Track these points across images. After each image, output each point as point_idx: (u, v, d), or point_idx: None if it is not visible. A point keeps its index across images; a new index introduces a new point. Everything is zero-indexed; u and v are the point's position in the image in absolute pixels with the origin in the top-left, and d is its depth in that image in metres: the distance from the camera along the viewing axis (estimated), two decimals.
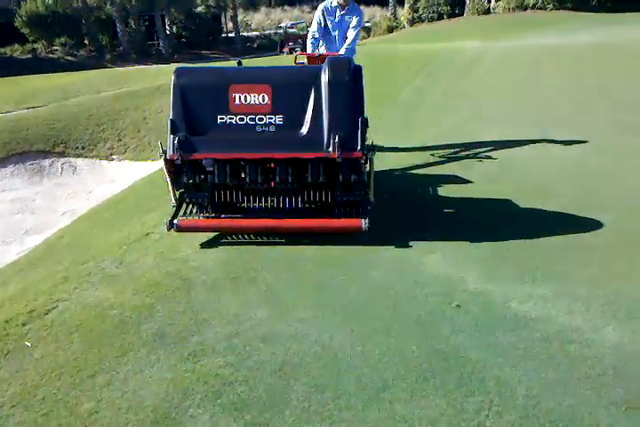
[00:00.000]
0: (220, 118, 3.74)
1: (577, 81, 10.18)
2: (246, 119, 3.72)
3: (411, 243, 4.04)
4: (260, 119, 3.71)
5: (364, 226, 3.75)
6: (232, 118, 3.72)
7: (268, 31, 39.17)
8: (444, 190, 5.34)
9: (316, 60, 5.51)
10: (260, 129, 3.72)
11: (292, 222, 3.87)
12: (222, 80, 3.83)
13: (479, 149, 6.73)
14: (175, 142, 3.73)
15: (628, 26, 17.05)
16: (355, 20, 5.89)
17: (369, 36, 31.31)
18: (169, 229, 3.95)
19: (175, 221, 3.96)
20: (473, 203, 4.97)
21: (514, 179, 5.61)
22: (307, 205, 4.05)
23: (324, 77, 3.74)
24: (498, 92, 9.93)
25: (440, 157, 6.50)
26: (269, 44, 34.93)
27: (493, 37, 17.72)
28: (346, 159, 3.67)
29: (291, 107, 3.75)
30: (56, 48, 32.14)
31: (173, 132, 3.78)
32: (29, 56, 30.65)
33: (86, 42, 33.15)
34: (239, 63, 4.72)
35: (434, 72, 12.14)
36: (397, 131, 7.83)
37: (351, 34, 5.89)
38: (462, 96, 9.83)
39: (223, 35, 39.25)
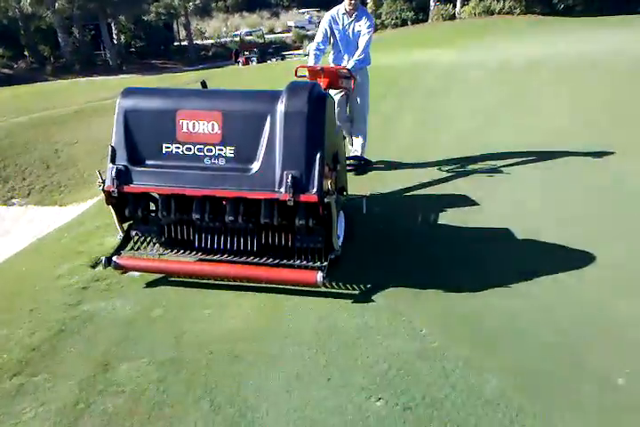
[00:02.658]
0: (166, 147, 3.46)
1: (582, 100, 8.49)
2: (194, 149, 3.43)
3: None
4: (209, 150, 3.40)
5: (319, 280, 3.30)
6: (178, 148, 3.44)
7: (224, 39, 37.19)
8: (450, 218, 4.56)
9: (317, 73, 5.07)
10: (209, 161, 3.41)
11: (241, 270, 3.50)
12: (169, 104, 3.50)
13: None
14: (113, 173, 3.45)
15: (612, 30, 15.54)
16: (365, 27, 5.46)
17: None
18: (105, 267, 3.62)
19: (114, 258, 3.61)
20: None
21: None
22: (263, 248, 3.64)
23: (281, 106, 3.34)
24: (483, 117, 8.15)
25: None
26: (225, 53, 33.17)
27: (464, 46, 16.09)
28: (299, 202, 3.28)
29: (243, 138, 3.40)
30: None
31: (113, 160, 3.50)
32: None
33: (26, 53, 30.86)
34: (203, 84, 4.28)
35: (403, 95, 10.32)
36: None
37: (362, 42, 5.46)
38: (441, 126, 8.04)
39: (176, 43, 37.32)
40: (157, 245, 3.83)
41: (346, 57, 5.56)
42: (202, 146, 3.40)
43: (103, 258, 3.62)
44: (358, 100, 5.63)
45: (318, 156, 3.29)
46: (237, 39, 33.05)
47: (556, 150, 6.21)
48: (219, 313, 3.35)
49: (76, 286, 3.75)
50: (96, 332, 3.20)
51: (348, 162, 5.21)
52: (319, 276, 3.30)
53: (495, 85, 10.27)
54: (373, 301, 3.43)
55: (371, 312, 3.31)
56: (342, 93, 5.54)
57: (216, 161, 3.39)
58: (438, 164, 6.12)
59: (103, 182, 3.49)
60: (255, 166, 3.34)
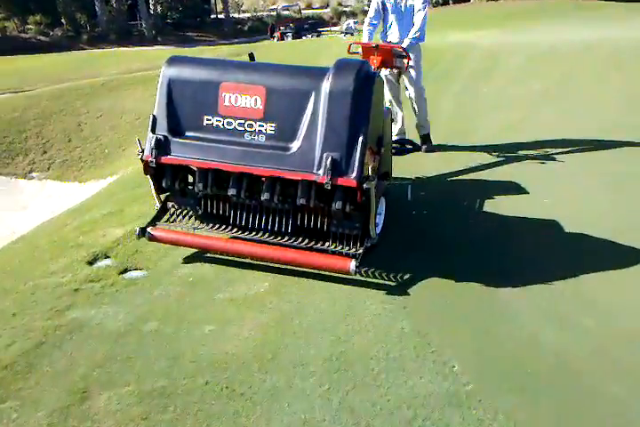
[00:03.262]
0: (207, 120, 3.38)
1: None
2: (235, 124, 3.34)
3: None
4: (250, 126, 3.31)
5: (352, 269, 3.17)
6: (219, 121, 3.36)
7: (261, 13, 36.39)
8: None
9: (371, 50, 4.86)
10: (249, 137, 3.32)
11: (273, 252, 3.39)
12: (213, 76, 3.41)
13: None
14: (153, 142, 3.39)
15: None
16: (419, 1, 5.21)
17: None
18: (139, 237, 3.55)
19: (149, 230, 3.55)
20: None
21: None
22: (297, 230, 3.50)
23: (326, 84, 3.20)
24: (527, 105, 7.52)
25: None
26: (262, 27, 32.37)
27: (507, 27, 15.22)
28: (337, 186, 3.16)
29: (285, 115, 3.29)
30: (30, 27, 29.92)
31: (153, 130, 3.42)
32: None
33: (63, 21, 30.67)
34: (251, 56, 4.15)
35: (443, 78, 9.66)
36: None
37: (418, 18, 5.20)
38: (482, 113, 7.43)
39: (212, 16, 36.65)
40: (193, 218, 3.74)
41: (397, 33, 5.33)
42: (243, 121, 3.31)
43: (137, 228, 3.53)
44: (413, 78, 5.41)
45: (361, 138, 3.14)
46: (274, 13, 32.24)
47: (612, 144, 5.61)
48: (221, 331, 2.92)
49: (68, 286, 3.36)
50: (80, 347, 2.80)
51: (394, 145, 5.12)
52: (352, 264, 3.16)
53: (541, 71, 9.54)
54: (400, 321, 2.98)
55: (394, 339, 2.85)
56: (396, 72, 5.38)
57: (256, 137, 3.30)
58: (484, 149, 5.74)
59: (142, 151, 3.42)
60: (295, 146, 3.24)
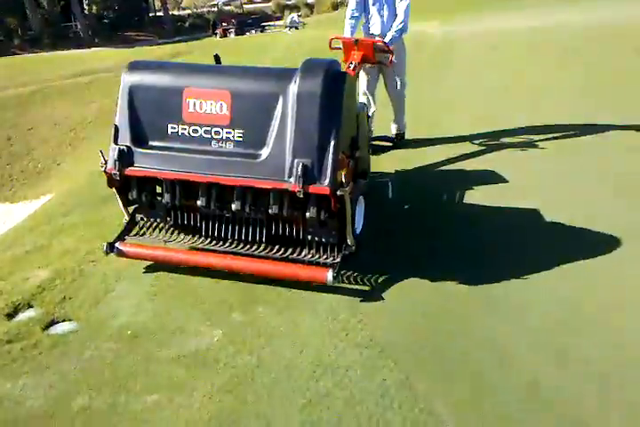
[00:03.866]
0: (172, 128, 3.22)
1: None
2: (201, 131, 3.18)
3: None
4: (217, 133, 3.15)
5: (329, 279, 3.00)
6: (185, 129, 3.19)
7: (202, 9, 35.40)
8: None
9: (352, 45, 4.66)
10: (216, 145, 3.15)
11: (247, 264, 3.22)
12: (176, 81, 3.25)
13: None
14: (115, 154, 3.22)
15: None
16: None
17: (311, 14, 28.25)
18: (107, 253, 3.36)
19: (117, 244, 3.37)
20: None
21: None
22: (271, 239, 3.32)
23: (294, 87, 3.03)
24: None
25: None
26: (204, 24, 31.45)
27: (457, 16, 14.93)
28: (309, 194, 3.00)
29: (252, 121, 3.12)
30: None
31: (115, 140, 3.27)
32: None
33: None
34: (216, 58, 3.98)
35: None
36: None
37: (401, 9, 4.91)
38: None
39: (151, 14, 35.43)
40: (164, 230, 3.57)
41: (379, 25, 5.04)
42: (209, 128, 3.16)
43: (105, 244, 3.35)
44: (395, 74, 5.14)
45: (332, 143, 2.99)
46: (215, 9, 31.34)
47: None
48: (167, 401, 2.41)
49: None
50: None
51: (374, 142, 4.96)
52: (329, 274, 3.01)
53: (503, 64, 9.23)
54: (381, 370, 2.53)
55: (378, 392, 2.40)
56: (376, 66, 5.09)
57: (224, 145, 3.15)
58: (464, 139, 5.51)
59: (105, 163, 3.26)
60: (264, 152, 3.09)
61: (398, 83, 5.17)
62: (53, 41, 28.68)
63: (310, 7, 30.58)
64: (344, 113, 3.06)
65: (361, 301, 3.07)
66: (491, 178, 4.54)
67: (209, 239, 3.39)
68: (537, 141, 5.30)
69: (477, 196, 4.25)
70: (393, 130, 5.54)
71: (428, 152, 5.28)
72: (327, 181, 2.96)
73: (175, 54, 15.81)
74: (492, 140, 5.47)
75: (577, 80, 7.16)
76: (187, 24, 33.32)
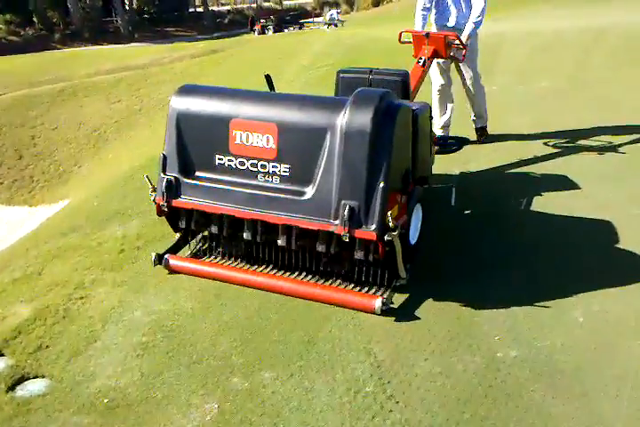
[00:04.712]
0: (219, 159, 3.13)
1: None
2: (247, 164, 3.08)
3: None
4: (263, 166, 3.04)
5: (377, 306, 2.87)
6: (231, 161, 3.11)
7: (241, 5, 35.15)
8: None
9: (422, 39, 4.47)
10: (262, 179, 3.06)
11: (296, 287, 3.12)
12: (223, 111, 3.12)
13: None
14: (164, 185, 3.20)
15: None
16: None
17: (352, 11, 27.60)
18: (155, 264, 3.35)
19: (167, 257, 3.37)
20: None
21: None
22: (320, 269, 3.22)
23: (342, 120, 2.82)
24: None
25: None
26: (243, 20, 31.17)
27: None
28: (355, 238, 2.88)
29: (299, 155, 2.98)
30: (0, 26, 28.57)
31: (164, 170, 3.22)
32: None
33: (34, 19, 29.35)
34: (268, 78, 3.82)
35: None
36: None
37: (478, 1, 4.65)
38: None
39: (191, 9, 35.35)
40: (213, 252, 3.52)
41: (454, 17, 4.83)
42: (255, 161, 3.08)
43: (153, 254, 3.36)
44: (469, 66, 4.93)
45: (382, 185, 2.82)
46: (254, 5, 31.02)
47: None
48: None
49: None
50: None
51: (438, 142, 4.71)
52: (378, 302, 2.89)
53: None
54: None
55: None
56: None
57: (270, 179, 3.07)
58: (531, 141, 5.21)
59: (154, 189, 3.29)
60: (310, 190, 2.97)
61: (474, 76, 4.98)
62: (93, 36, 28.83)
63: (350, 4, 29.93)
64: (395, 151, 2.87)
65: (391, 365, 2.51)
66: (562, 185, 4.25)
67: (257, 264, 3.35)
68: (606, 147, 4.95)
69: (550, 206, 3.91)
70: (477, 124, 5.31)
71: (495, 154, 4.97)
72: (374, 226, 2.81)
73: (209, 52, 15.44)
74: (558, 144, 5.14)
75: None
76: (226, 20, 33.21)
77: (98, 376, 2.53)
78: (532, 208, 3.96)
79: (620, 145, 4.97)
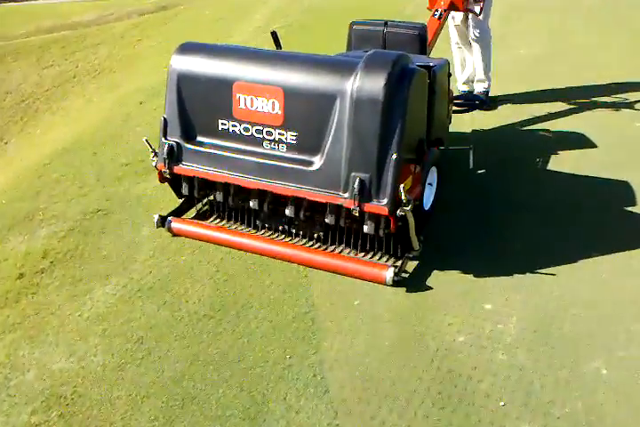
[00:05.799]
0: (222, 124, 3.01)
1: None
2: (252, 130, 2.95)
3: None
4: (269, 133, 2.92)
5: (388, 278, 2.81)
6: (235, 126, 2.99)
7: None
8: None
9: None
10: (268, 146, 2.94)
11: (302, 254, 3.06)
12: (226, 73, 2.97)
13: None
14: (165, 150, 3.11)
15: None
16: None
17: None
18: (158, 226, 3.29)
19: (170, 219, 3.29)
20: None
21: None
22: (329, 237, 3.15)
23: (353, 86, 2.68)
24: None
25: None
26: None
27: None
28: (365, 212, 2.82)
29: (307, 122, 2.85)
30: None
31: (165, 134, 3.13)
32: None
33: None
34: (274, 35, 3.65)
35: None
36: None
37: None
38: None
39: None
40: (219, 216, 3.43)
41: None
42: (261, 127, 2.95)
43: (156, 216, 3.28)
44: (479, 20, 4.66)
45: (394, 157, 2.70)
46: None
47: None
48: None
49: None
50: None
51: (457, 102, 4.73)
52: (389, 272, 2.83)
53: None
54: None
55: None
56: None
57: (276, 147, 2.95)
58: (556, 98, 4.99)
59: (155, 154, 3.20)
60: (319, 160, 2.86)
61: (483, 28, 4.74)
62: None
63: None
64: (409, 120, 2.72)
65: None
66: (586, 144, 4.14)
67: (265, 230, 3.27)
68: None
69: (574, 168, 3.76)
70: (479, 88, 5.00)
71: (517, 112, 4.74)
72: (386, 200, 2.71)
73: (160, 8, 14.16)
74: (569, 103, 4.90)
75: None
76: None
77: None
78: (552, 169, 3.84)
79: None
